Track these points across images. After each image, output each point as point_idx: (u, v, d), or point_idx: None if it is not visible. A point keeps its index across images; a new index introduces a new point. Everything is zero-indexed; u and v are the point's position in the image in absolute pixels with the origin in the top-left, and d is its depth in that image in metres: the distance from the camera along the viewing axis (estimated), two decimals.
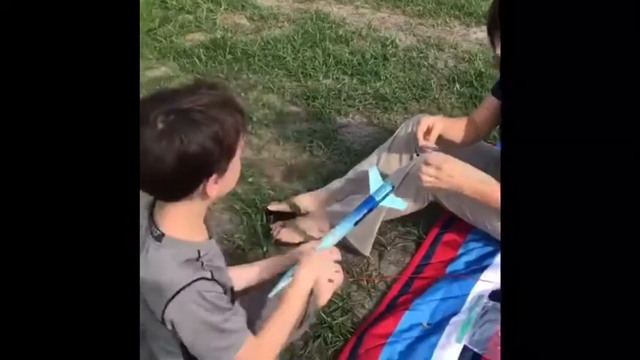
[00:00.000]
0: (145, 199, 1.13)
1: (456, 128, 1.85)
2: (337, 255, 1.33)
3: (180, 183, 1.00)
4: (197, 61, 2.99)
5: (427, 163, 1.65)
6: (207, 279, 1.05)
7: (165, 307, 1.02)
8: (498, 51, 1.57)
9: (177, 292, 1.01)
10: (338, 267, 1.27)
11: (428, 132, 1.77)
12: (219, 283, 1.08)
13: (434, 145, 1.77)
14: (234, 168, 1.07)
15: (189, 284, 1.02)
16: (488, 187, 1.63)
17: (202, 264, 1.06)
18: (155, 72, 3.02)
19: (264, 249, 1.89)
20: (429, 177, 1.64)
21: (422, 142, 1.77)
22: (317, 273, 1.23)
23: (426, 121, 1.78)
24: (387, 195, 1.63)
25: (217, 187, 1.03)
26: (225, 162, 1.02)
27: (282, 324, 1.17)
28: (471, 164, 1.74)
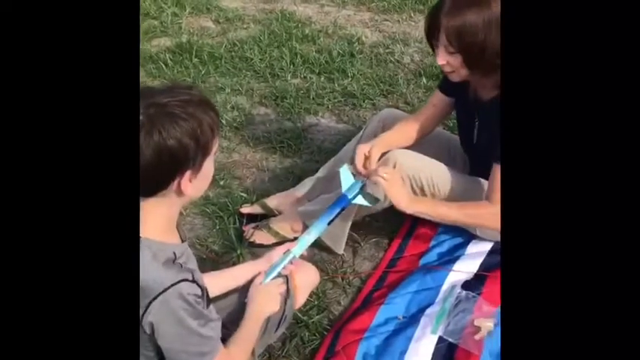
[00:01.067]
0: None
1: (394, 140, 1.80)
2: (282, 287, 1.41)
3: (156, 176, 1.00)
4: (163, 66, 2.96)
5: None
6: (190, 281, 1.05)
7: (147, 307, 1.01)
8: (440, 60, 1.58)
9: (161, 293, 1.01)
10: (282, 299, 1.39)
11: (366, 159, 1.71)
12: (198, 286, 1.08)
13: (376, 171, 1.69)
14: (208, 169, 1.08)
15: (172, 285, 1.02)
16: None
17: (181, 265, 1.06)
18: None
19: (238, 252, 1.89)
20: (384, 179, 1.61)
21: (363, 171, 1.70)
22: (264, 309, 1.33)
23: (361, 149, 1.72)
24: (358, 193, 1.64)
25: (191, 185, 1.04)
26: (201, 159, 1.03)
27: (245, 342, 1.26)
28: (432, 154, 1.77)
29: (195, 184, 1.05)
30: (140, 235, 1.04)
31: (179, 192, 1.03)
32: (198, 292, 1.07)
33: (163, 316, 1.02)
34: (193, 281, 1.06)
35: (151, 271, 1.02)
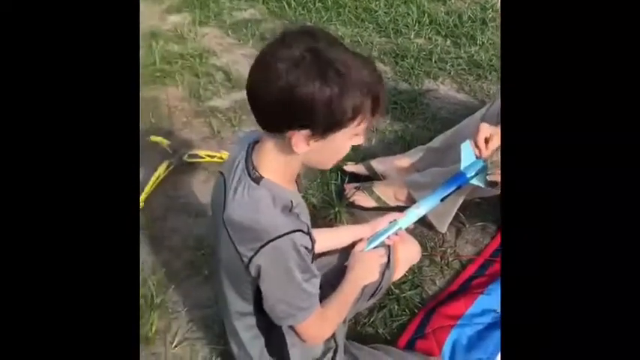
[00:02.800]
0: (242, 140, 1.10)
1: None
2: (384, 258, 1.36)
3: (278, 115, 0.95)
4: (286, 6, 2.90)
5: None
6: (304, 232, 1.01)
7: (258, 250, 0.99)
8: None
9: (275, 239, 0.98)
10: (381, 269, 1.34)
11: (487, 141, 1.55)
12: (310, 239, 1.05)
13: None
14: (338, 144, 0.99)
15: (288, 233, 0.98)
16: None
17: (298, 215, 1.02)
18: (243, 14, 2.97)
19: (336, 209, 1.84)
20: None
21: (481, 152, 1.53)
22: (363, 277, 1.29)
23: (485, 129, 1.54)
24: (478, 173, 1.52)
25: (307, 147, 0.97)
26: (329, 129, 0.95)
27: (340, 307, 1.22)
28: None
29: (313, 149, 0.97)
30: (263, 176, 1.01)
31: (295, 145, 0.97)
32: (310, 245, 1.04)
33: (273, 261, 1.00)
34: (307, 233, 1.02)
35: (268, 214, 0.99)
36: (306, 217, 1.06)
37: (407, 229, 1.55)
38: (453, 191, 1.50)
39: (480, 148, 1.53)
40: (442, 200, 1.51)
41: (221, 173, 1.11)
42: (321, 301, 1.15)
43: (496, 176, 1.51)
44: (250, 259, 1.00)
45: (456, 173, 1.53)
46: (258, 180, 1.01)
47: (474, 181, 1.52)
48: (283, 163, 1.03)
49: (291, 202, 1.02)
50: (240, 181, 1.03)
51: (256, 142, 1.06)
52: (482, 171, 1.50)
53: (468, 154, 1.54)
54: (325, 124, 0.94)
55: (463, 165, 1.53)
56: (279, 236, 0.97)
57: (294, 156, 1.02)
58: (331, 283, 1.28)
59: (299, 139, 0.96)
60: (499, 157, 1.51)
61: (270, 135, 1.00)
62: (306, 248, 1.02)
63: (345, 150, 1.02)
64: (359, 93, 0.92)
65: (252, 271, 1.02)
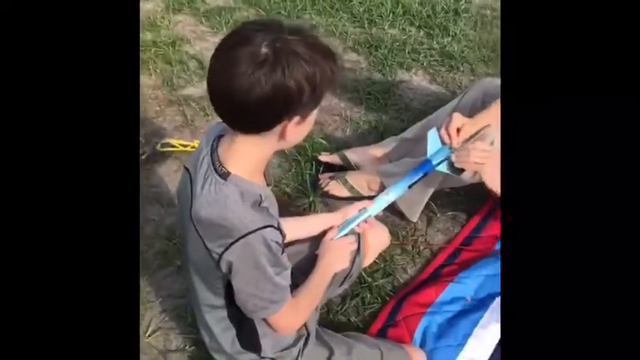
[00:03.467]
0: (207, 134, 1.10)
1: (492, 121, 1.63)
2: (354, 245, 1.37)
3: (266, 114, 0.95)
4: None
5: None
6: (275, 227, 1.02)
7: (228, 247, 0.99)
8: None
9: (245, 235, 0.98)
10: (351, 257, 1.36)
11: (457, 131, 1.58)
12: (281, 234, 1.05)
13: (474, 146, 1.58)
14: (311, 120, 1.02)
15: (258, 229, 0.98)
16: None
17: (267, 210, 1.02)
18: (216, 1, 2.94)
19: (311, 199, 1.85)
20: (476, 158, 1.51)
21: (450, 141, 1.57)
22: (334, 265, 1.31)
23: (456, 119, 1.57)
24: (444, 160, 1.55)
25: (294, 132, 0.99)
26: (311, 108, 0.98)
27: (312, 296, 1.24)
28: None
29: (297, 131, 0.99)
30: (230, 172, 1.01)
31: (282, 136, 0.98)
32: (280, 239, 1.04)
33: (244, 257, 1.00)
34: (277, 228, 1.03)
35: (237, 211, 0.98)
36: (275, 211, 1.07)
37: (379, 218, 1.57)
38: (421, 178, 1.53)
39: (450, 136, 1.57)
40: (410, 187, 1.54)
41: (186, 169, 1.10)
42: (292, 290, 1.17)
43: (462, 164, 1.53)
44: (221, 256, 1.00)
45: (422, 160, 1.56)
46: (225, 176, 1.00)
47: (440, 168, 1.55)
48: (253, 157, 1.03)
49: (260, 196, 1.02)
50: (206, 177, 1.02)
51: (221, 135, 1.06)
52: (449, 158, 1.53)
53: (434, 142, 1.57)
54: (311, 104, 0.97)
55: (429, 152, 1.56)
56: (250, 232, 0.97)
57: (267, 148, 1.02)
58: (303, 271, 1.29)
59: (290, 127, 0.97)
60: (468, 146, 1.53)
61: (243, 134, 1.00)
62: (277, 242, 1.02)
63: (314, 121, 1.04)
64: (328, 66, 0.95)
65: (223, 267, 1.02)
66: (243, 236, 0.97)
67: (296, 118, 0.96)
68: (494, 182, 1.53)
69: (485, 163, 1.50)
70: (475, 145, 1.52)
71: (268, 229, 0.99)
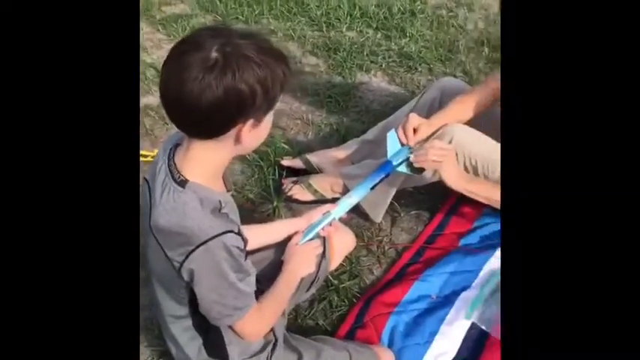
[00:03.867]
0: (165, 143, 1.09)
1: (448, 120, 1.68)
2: (319, 249, 1.37)
3: (219, 118, 0.95)
4: (217, 0, 2.87)
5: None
6: (235, 233, 1.01)
7: (189, 255, 0.98)
8: None
9: (205, 242, 0.97)
10: (317, 260, 1.36)
11: (414, 132, 1.61)
12: (242, 239, 1.05)
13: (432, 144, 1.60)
14: (268, 123, 1.02)
15: (218, 235, 0.98)
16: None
17: (227, 216, 1.02)
18: (173, 8, 2.92)
19: (275, 204, 1.85)
20: (434, 157, 1.53)
21: (408, 142, 1.61)
22: (300, 270, 1.30)
23: (413, 120, 1.61)
24: (404, 161, 1.57)
25: (250, 135, 0.99)
26: (265, 111, 0.98)
27: (278, 302, 1.23)
28: (492, 133, 1.69)
29: (253, 135, 0.99)
30: (187, 177, 1.01)
31: (237, 140, 0.98)
32: (242, 245, 1.04)
33: (206, 264, 0.99)
34: (238, 234, 1.02)
35: (196, 218, 0.98)
36: (235, 216, 1.06)
37: (343, 221, 1.58)
38: (382, 179, 1.55)
39: (407, 137, 1.59)
40: (372, 189, 1.55)
41: (145, 180, 1.10)
42: (259, 296, 1.16)
43: (421, 163, 1.55)
44: (182, 264, 0.99)
45: (382, 162, 1.58)
46: (183, 183, 1.00)
47: (401, 169, 1.57)
48: (210, 163, 1.03)
49: (220, 202, 1.02)
50: (164, 185, 1.01)
51: (178, 144, 1.06)
52: (408, 158, 1.56)
53: (393, 143, 1.59)
54: (264, 107, 0.97)
55: (389, 153, 1.58)
56: (210, 239, 0.97)
57: (224, 153, 1.02)
58: (269, 277, 1.28)
59: (245, 131, 0.97)
60: (426, 145, 1.55)
61: (199, 140, 0.99)
62: (238, 248, 1.02)
63: (270, 125, 1.05)
64: (280, 69, 0.96)
65: (185, 275, 1.01)
66: (203, 243, 0.97)
67: (250, 122, 0.96)
68: (452, 179, 1.55)
69: (443, 162, 1.53)
70: (432, 144, 1.54)
71: (229, 234, 0.99)
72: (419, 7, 2.96)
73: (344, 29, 2.77)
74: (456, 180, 1.56)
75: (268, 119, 1.02)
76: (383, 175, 1.57)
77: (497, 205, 1.66)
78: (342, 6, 2.90)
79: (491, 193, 1.58)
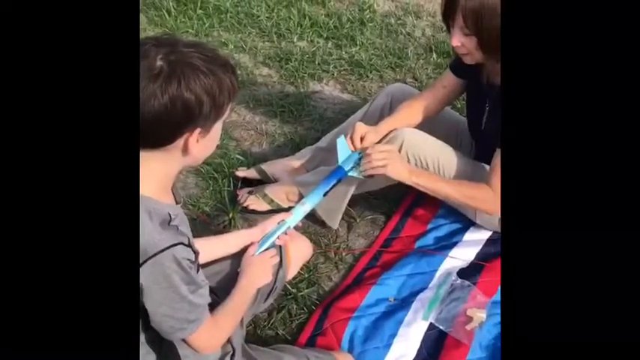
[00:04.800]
0: None
1: (397, 125, 1.72)
2: (275, 258, 1.38)
3: (165, 127, 0.94)
4: (166, 14, 2.84)
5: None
6: (185, 245, 1.00)
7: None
8: (454, 42, 1.51)
9: (154, 255, 0.96)
10: (274, 270, 1.37)
11: (362, 140, 1.64)
12: (193, 251, 1.03)
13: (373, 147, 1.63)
14: (216, 132, 1.02)
15: (167, 248, 0.97)
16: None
17: (177, 228, 1.01)
18: None
19: (231, 215, 1.84)
20: (378, 162, 1.56)
21: (358, 145, 1.64)
22: (256, 281, 1.31)
23: (359, 129, 1.64)
24: (355, 165, 1.59)
25: (198, 145, 0.98)
26: (213, 120, 0.98)
27: (234, 314, 1.22)
28: (440, 135, 1.72)
29: (202, 145, 0.99)
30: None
31: (185, 150, 0.97)
32: (192, 257, 1.03)
33: (155, 278, 0.97)
34: (188, 245, 1.01)
35: (145, 231, 0.96)
36: (186, 228, 1.05)
37: (299, 229, 1.58)
38: (335, 185, 1.56)
39: (355, 146, 1.61)
40: (325, 195, 1.56)
41: None
42: (215, 309, 1.15)
43: (368, 171, 1.57)
44: None
45: (334, 168, 1.59)
46: None
47: (352, 174, 1.58)
48: (158, 175, 1.01)
49: (169, 214, 1.00)
50: None
51: None
52: (359, 163, 1.57)
53: (343, 149, 1.61)
54: (212, 116, 0.97)
55: (340, 159, 1.60)
56: (159, 252, 0.96)
57: (172, 164, 1.01)
58: (225, 289, 1.27)
59: (193, 140, 0.97)
60: (368, 152, 1.57)
61: (146, 150, 0.98)
62: (189, 260, 1.01)
63: (219, 135, 1.05)
64: (227, 77, 0.96)
65: None
66: (152, 256, 0.95)
67: (197, 131, 0.96)
68: (401, 176, 1.57)
69: (387, 165, 1.54)
70: (374, 149, 1.56)
71: (179, 246, 0.98)
72: (368, 16, 3.00)
73: (295, 39, 2.79)
74: (405, 176, 1.58)
75: (217, 129, 1.01)
76: (335, 181, 1.59)
77: (444, 198, 1.68)
78: (292, 17, 2.92)
79: (437, 186, 1.61)
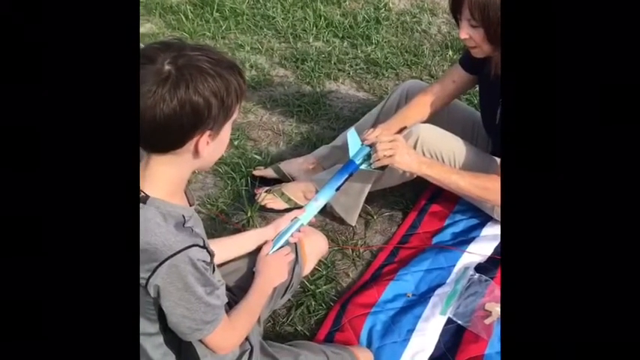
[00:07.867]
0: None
1: (408, 120, 1.75)
2: (290, 256, 1.38)
3: (175, 131, 0.95)
4: (183, 18, 2.88)
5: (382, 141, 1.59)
6: (200, 246, 1.01)
7: (154, 271, 0.97)
8: (462, 34, 1.52)
9: (170, 257, 0.97)
10: (289, 268, 1.37)
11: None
12: (208, 252, 1.05)
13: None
14: (226, 134, 1.03)
15: (183, 249, 0.98)
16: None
17: (192, 230, 1.02)
18: (140, 28, 2.92)
19: (249, 214, 1.86)
20: (384, 152, 1.57)
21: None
22: (272, 281, 1.31)
23: (373, 133, 1.64)
24: (365, 159, 1.59)
25: (208, 147, 1.00)
26: (222, 122, 0.99)
27: (251, 314, 1.23)
28: (456, 130, 1.73)
29: (212, 147, 1.00)
30: (149, 195, 1.00)
31: (195, 153, 0.99)
32: (208, 258, 1.04)
33: (172, 280, 0.99)
34: (204, 247, 1.02)
35: (160, 233, 0.98)
36: (200, 230, 1.06)
37: (313, 223, 1.59)
38: (347, 179, 1.57)
39: (365, 138, 1.63)
40: (337, 189, 1.57)
41: None
42: (232, 308, 1.16)
43: (376, 163, 1.57)
44: (148, 281, 0.98)
45: (346, 162, 1.60)
46: (144, 199, 0.99)
47: (363, 167, 1.59)
48: (170, 178, 1.03)
49: (183, 216, 1.02)
50: None
51: None
52: (369, 156, 1.58)
53: (354, 142, 1.62)
54: (221, 118, 0.98)
55: (351, 153, 1.60)
56: (175, 254, 0.97)
57: (183, 167, 1.03)
58: (242, 288, 1.28)
59: (203, 143, 0.98)
60: (379, 142, 1.58)
61: (157, 154, 1.00)
62: (204, 261, 1.02)
63: (229, 137, 1.06)
64: (234, 78, 0.97)
65: (152, 291, 1.00)
66: (167, 258, 0.97)
67: (207, 133, 0.97)
68: (409, 166, 1.58)
69: (394, 154, 1.55)
70: (379, 140, 1.57)
71: (194, 248, 0.99)
72: (383, 15, 3.00)
73: (310, 40, 2.81)
74: (414, 166, 1.59)
75: (226, 130, 1.02)
76: (347, 175, 1.59)
77: (456, 190, 1.67)
78: (307, 17, 2.94)
79: (450, 177, 1.61)
